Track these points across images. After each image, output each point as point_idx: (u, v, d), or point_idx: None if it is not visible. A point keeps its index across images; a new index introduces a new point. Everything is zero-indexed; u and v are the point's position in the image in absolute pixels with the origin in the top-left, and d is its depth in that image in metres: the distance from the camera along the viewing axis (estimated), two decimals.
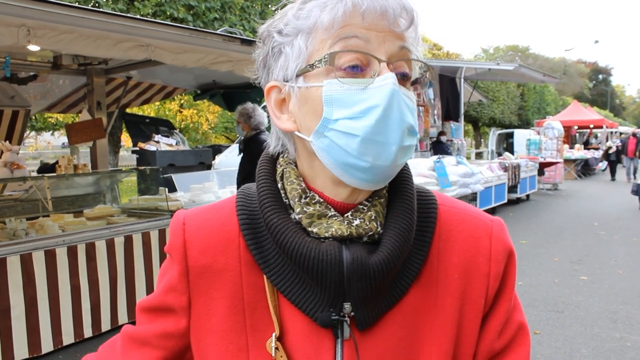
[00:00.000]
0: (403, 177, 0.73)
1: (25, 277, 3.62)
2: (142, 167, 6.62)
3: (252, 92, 6.71)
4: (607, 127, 24.75)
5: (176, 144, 11.00)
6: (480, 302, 0.72)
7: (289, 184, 0.71)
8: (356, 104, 0.64)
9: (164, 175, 6.78)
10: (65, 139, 22.10)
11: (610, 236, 8.24)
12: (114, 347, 0.82)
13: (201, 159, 11.09)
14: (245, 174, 5.00)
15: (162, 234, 4.54)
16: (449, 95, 12.80)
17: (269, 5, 11.74)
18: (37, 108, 6.94)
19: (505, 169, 10.86)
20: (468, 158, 14.71)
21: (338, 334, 0.69)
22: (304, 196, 0.70)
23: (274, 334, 0.69)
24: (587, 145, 24.71)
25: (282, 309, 0.70)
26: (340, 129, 0.64)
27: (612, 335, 4.19)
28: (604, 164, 21.59)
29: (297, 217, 0.69)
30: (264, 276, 0.71)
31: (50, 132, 22.23)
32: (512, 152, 16.49)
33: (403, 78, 0.67)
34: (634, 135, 18.15)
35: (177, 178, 6.77)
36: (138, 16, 5.93)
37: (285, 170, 0.73)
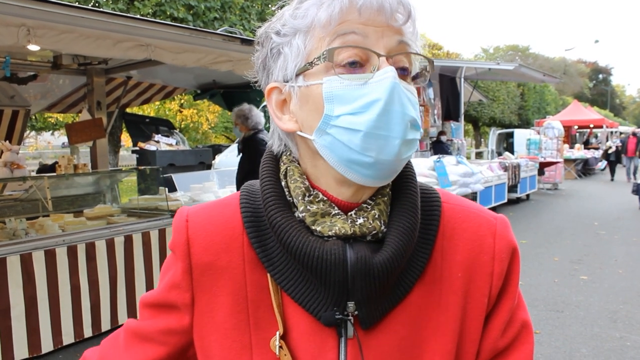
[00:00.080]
0: (406, 175, 0.73)
1: (25, 277, 3.62)
2: (142, 167, 6.61)
3: (252, 91, 6.71)
4: (607, 127, 24.73)
5: (176, 143, 11.00)
6: (483, 300, 0.72)
7: (292, 182, 0.71)
8: (357, 99, 0.63)
9: (164, 175, 6.78)
10: (65, 139, 22.10)
11: (611, 236, 8.24)
12: (116, 342, 0.82)
13: (201, 159, 11.09)
14: (244, 173, 5.02)
15: (162, 233, 4.54)
16: (449, 95, 12.80)
17: (269, 5, 11.74)
18: (37, 108, 6.94)
19: (505, 168, 10.86)
20: (468, 158, 14.71)
21: (342, 333, 0.69)
22: (307, 194, 0.70)
23: (277, 333, 0.69)
24: (587, 145, 24.72)
25: (286, 307, 0.70)
26: (343, 125, 0.64)
27: (612, 334, 4.19)
28: (602, 164, 21.46)
29: (300, 215, 0.69)
30: (268, 274, 0.70)
31: (50, 131, 22.23)
32: (512, 151, 16.49)
33: (403, 73, 0.67)
34: (634, 134, 18.08)
35: (177, 178, 6.76)
36: (138, 16, 5.93)
37: (288, 168, 0.73)
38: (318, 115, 0.66)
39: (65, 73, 5.69)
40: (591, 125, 24.51)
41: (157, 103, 14.42)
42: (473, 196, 9.08)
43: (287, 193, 0.71)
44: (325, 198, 0.70)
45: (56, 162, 5.10)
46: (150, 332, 0.77)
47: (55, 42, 3.40)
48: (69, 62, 5.08)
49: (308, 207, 0.69)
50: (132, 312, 4.29)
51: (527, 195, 12.77)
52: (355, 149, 0.64)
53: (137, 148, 10.31)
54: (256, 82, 0.77)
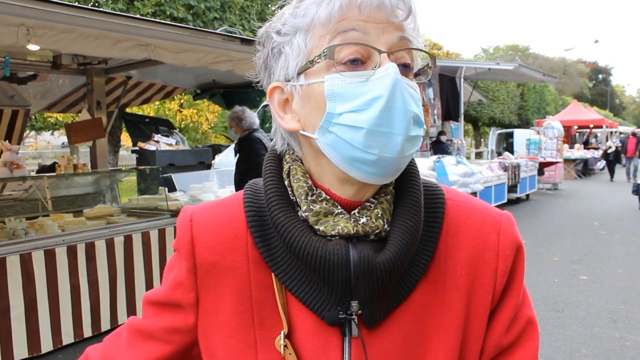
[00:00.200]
0: (410, 173, 0.73)
1: (25, 277, 3.62)
2: (142, 167, 6.62)
3: (252, 91, 6.72)
4: (606, 127, 24.73)
5: (176, 143, 10.98)
6: (487, 298, 0.72)
7: (295, 181, 0.71)
8: (359, 97, 0.63)
9: (164, 175, 6.78)
10: (65, 139, 22.10)
11: (611, 236, 8.24)
12: (119, 340, 0.81)
13: (201, 159, 11.07)
14: (241, 173, 5.05)
15: (161, 233, 4.54)
16: (448, 95, 12.80)
17: (269, 5, 11.74)
18: (37, 108, 6.93)
19: (505, 168, 10.86)
20: (468, 158, 14.70)
21: (346, 332, 0.69)
22: (310, 194, 0.70)
23: (282, 332, 0.69)
24: (586, 145, 24.72)
25: (290, 306, 0.70)
26: (345, 122, 0.63)
27: (612, 334, 4.19)
28: (602, 163, 21.32)
29: (303, 215, 0.69)
30: (272, 274, 0.70)
31: (50, 131, 22.21)
32: (512, 151, 16.48)
33: (405, 69, 0.67)
34: (634, 134, 17.98)
35: (176, 178, 6.76)
36: (138, 16, 5.92)
37: (291, 167, 0.73)
38: (320, 113, 0.66)
39: (65, 73, 5.68)
40: (591, 126, 24.51)
41: (157, 103, 14.42)
42: (476, 197, 9.08)
43: (290, 192, 0.71)
44: (328, 197, 0.69)
45: (55, 162, 5.10)
46: (154, 330, 0.77)
47: (55, 41, 3.40)
48: (68, 61, 5.08)
49: (311, 207, 0.69)
50: (131, 312, 4.29)
51: (527, 196, 12.77)
52: (358, 147, 0.63)
53: (136, 148, 10.30)
54: (258, 82, 0.76)
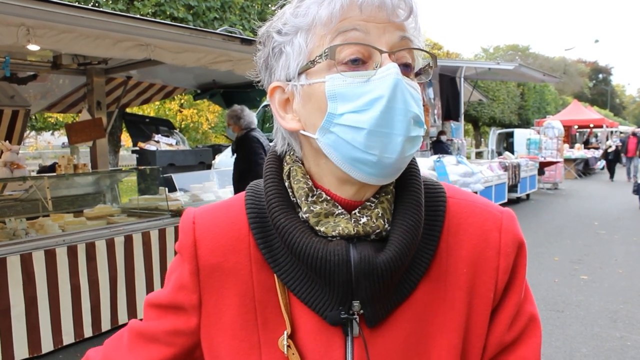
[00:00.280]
0: (410, 172, 0.73)
1: (25, 277, 3.62)
2: (142, 167, 6.62)
3: (252, 91, 6.71)
4: (607, 127, 24.71)
5: (176, 143, 10.99)
6: (489, 295, 0.72)
7: (295, 182, 0.71)
8: (360, 97, 0.63)
9: (164, 175, 6.79)
10: (65, 139, 22.07)
11: (611, 235, 8.24)
12: (120, 342, 0.81)
13: (201, 159, 11.07)
14: (239, 173, 5.06)
15: (162, 233, 4.54)
16: (449, 95, 12.79)
17: (269, 5, 11.73)
18: (37, 108, 6.93)
19: (506, 168, 10.86)
20: (468, 157, 14.71)
21: (348, 332, 0.69)
22: (310, 195, 0.70)
23: (285, 332, 0.69)
24: (587, 144, 24.71)
25: (293, 307, 0.71)
26: (346, 123, 0.64)
27: (613, 334, 4.19)
28: (602, 163, 21.20)
29: (304, 216, 0.69)
30: (274, 275, 0.71)
31: (50, 131, 22.21)
32: (512, 151, 16.48)
33: (406, 69, 0.67)
34: (634, 134, 17.87)
35: (177, 178, 6.77)
36: (138, 16, 5.92)
37: (292, 168, 0.73)
38: (321, 113, 0.66)
39: (65, 73, 5.68)
40: (591, 125, 24.50)
41: (157, 103, 14.41)
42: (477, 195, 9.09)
43: (290, 194, 0.72)
44: (328, 197, 0.70)
45: (56, 163, 5.10)
46: (156, 333, 0.77)
47: (55, 41, 3.39)
48: (68, 62, 5.08)
49: (311, 208, 0.69)
50: (132, 312, 4.29)
51: (527, 195, 12.76)
52: (359, 147, 0.63)
53: (137, 148, 10.30)
54: (259, 81, 0.77)
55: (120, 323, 4.19)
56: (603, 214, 10.43)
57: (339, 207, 0.69)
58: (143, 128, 10.98)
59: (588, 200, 12.83)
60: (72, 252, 3.90)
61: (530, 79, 17.57)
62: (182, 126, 17.97)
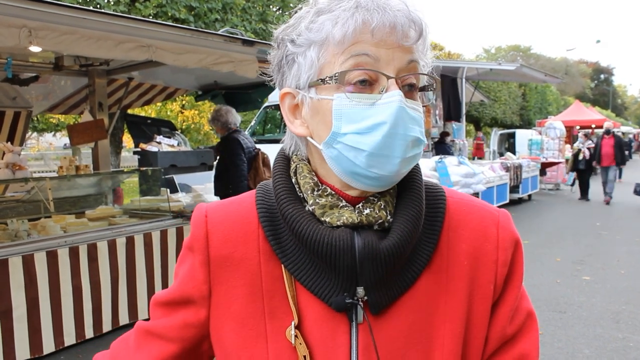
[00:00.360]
0: (412, 171, 0.77)
1: (27, 278, 3.62)
2: (144, 168, 6.63)
3: (253, 92, 6.71)
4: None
5: (178, 144, 10.98)
6: (489, 287, 0.75)
7: (302, 178, 0.76)
8: (364, 120, 0.67)
9: (166, 176, 6.79)
10: (67, 140, 22.13)
11: (613, 236, 8.22)
12: (127, 343, 0.84)
13: (203, 160, 11.06)
14: (218, 172, 5.07)
15: (163, 234, 4.54)
16: (450, 96, 12.78)
17: (270, 7, 11.74)
18: (39, 109, 6.94)
19: (507, 169, 10.85)
20: (470, 158, 14.68)
21: (352, 318, 0.72)
22: (316, 189, 0.74)
23: (293, 322, 0.72)
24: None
25: (299, 296, 0.74)
26: (349, 143, 0.68)
27: (615, 335, 4.17)
28: (570, 177, 14.60)
29: (310, 208, 0.73)
30: (282, 266, 0.74)
31: (52, 133, 22.22)
32: (513, 152, 16.45)
33: (410, 89, 0.71)
34: (608, 132, 12.39)
35: (178, 179, 6.78)
36: (139, 17, 5.93)
37: (298, 165, 0.78)
38: (327, 128, 0.70)
39: (67, 74, 5.69)
40: (593, 126, 24.43)
41: (159, 104, 14.43)
42: (475, 197, 9.07)
43: (297, 189, 0.76)
44: (333, 192, 0.74)
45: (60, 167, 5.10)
46: (164, 330, 0.79)
47: (56, 43, 3.40)
48: (70, 63, 5.10)
49: (317, 200, 0.73)
50: (133, 313, 4.30)
51: (529, 196, 12.75)
52: (360, 165, 0.68)
53: (138, 149, 10.29)
54: (271, 80, 0.80)
55: (121, 324, 4.19)
56: (605, 215, 10.42)
57: (343, 201, 0.73)
58: (145, 129, 10.98)
59: (590, 200, 12.80)
60: (73, 253, 3.90)
61: (532, 80, 17.55)
62: (184, 127, 17.98)
